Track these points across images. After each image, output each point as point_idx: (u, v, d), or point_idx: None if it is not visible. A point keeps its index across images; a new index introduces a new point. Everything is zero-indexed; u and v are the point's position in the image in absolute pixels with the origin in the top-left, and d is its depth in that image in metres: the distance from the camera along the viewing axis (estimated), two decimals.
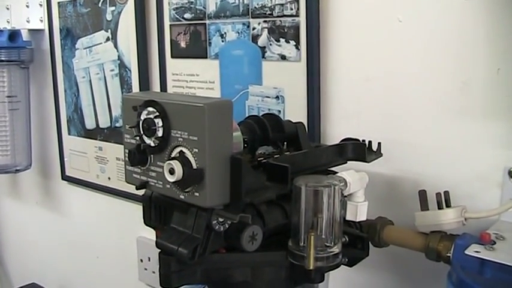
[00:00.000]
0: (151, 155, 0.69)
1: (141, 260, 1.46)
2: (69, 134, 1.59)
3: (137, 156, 0.69)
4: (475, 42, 0.84)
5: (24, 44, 1.62)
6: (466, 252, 0.73)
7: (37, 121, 1.72)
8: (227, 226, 0.68)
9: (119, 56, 1.37)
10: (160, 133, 0.66)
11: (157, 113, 0.66)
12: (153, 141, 0.67)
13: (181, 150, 0.65)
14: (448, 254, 0.79)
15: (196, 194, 0.64)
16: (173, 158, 0.65)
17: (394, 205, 0.94)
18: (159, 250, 0.70)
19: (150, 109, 0.67)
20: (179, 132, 0.64)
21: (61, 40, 1.54)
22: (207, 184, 0.62)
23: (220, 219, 0.67)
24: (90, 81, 1.47)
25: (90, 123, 1.51)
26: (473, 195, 0.86)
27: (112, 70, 1.40)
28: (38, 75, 1.67)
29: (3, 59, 1.58)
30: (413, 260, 0.88)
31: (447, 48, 0.87)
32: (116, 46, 1.37)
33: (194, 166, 0.63)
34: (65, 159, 1.63)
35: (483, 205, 0.84)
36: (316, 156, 0.79)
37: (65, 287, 1.81)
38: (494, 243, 0.75)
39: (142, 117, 0.68)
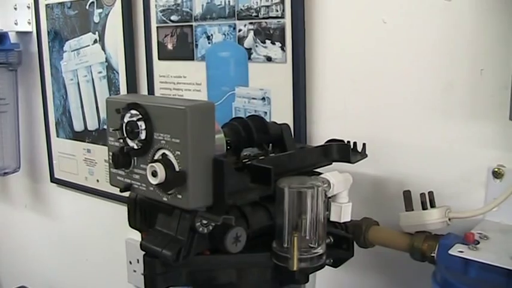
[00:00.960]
0: (135, 158, 0.68)
1: (130, 262, 1.45)
2: (57, 136, 1.58)
3: (121, 159, 0.69)
4: (458, 43, 0.85)
5: (12, 47, 1.62)
6: (450, 252, 0.74)
7: (25, 124, 1.72)
8: (211, 228, 0.68)
9: (106, 58, 1.37)
10: (143, 136, 0.66)
11: (140, 116, 0.66)
12: (137, 144, 0.67)
13: (164, 153, 0.65)
14: (433, 254, 0.79)
15: (179, 196, 0.64)
16: (156, 161, 0.65)
17: (380, 206, 0.95)
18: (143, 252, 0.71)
19: (133, 112, 0.67)
20: (162, 134, 0.64)
21: (49, 42, 1.54)
22: (189, 186, 0.62)
23: (204, 221, 0.67)
24: (78, 83, 1.47)
25: (78, 126, 1.51)
26: (458, 195, 0.87)
27: (100, 72, 1.40)
28: (26, 77, 1.66)
29: None
30: (400, 260, 0.88)
31: (431, 49, 0.88)
32: (103, 48, 1.37)
33: (177, 168, 0.63)
34: (54, 161, 1.62)
35: (468, 205, 0.84)
36: (300, 157, 0.79)
37: None
38: (478, 242, 0.76)
39: (125, 120, 0.68)
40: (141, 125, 0.66)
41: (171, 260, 0.67)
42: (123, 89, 1.34)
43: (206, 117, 0.63)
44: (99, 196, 1.48)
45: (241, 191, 0.67)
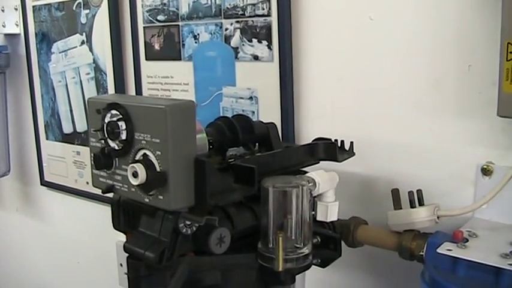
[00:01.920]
0: (116, 159, 0.67)
1: (121, 265, 1.44)
2: (47, 138, 1.57)
3: (102, 160, 0.68)
4: (445, 39, 0.84)
5: (0, 49, 1.60)
6: (438, 250, 0.73)
7: (15, 127, 1.70)
8: (195, 229, 0.67)
9: (94, 60, 1.36)
10: (124, 136, 0.65)
11: (121, 116, 0.65)
12: (117, 145, 0.66)
13: (145, 153, 0.64)
14: (421, 253, 0.78)
15: (161, 197, 0.63)
16: (137, 161, 0.63)
17: (368, 204, 0.94)
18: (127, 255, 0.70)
19: (114, 112, 0.66)
20: (142, 134, 0.63)
21: (37, 44, 1.53)
22: (170, 187, 0.61)
23: (188, 222, 0.66)
24: (67, 85, 1.46)
25: (67, 128, 1.49)
26: (447, 193, 0.86)
27: (88, 74, 1.38)
28: (15, 80, 1.65)
29: None
30: (389, 259, 0.87)
31: (418, 46, 0.87)
32: (91, 49, 1.36)
33: (158, 169, 0.62)
34: (44, 164, 1.61)
35: (457, 203, 0.84)
36: (285, 156, 0.78)
37: None
38: (467, 240, 0.75)
39: (106, 120, 0.67)
40: (122, 125, 0.65)
41: (154, 262, 0.66)
42: (111, 90, 1.32)
43: (186, 116, 0.62)
44: (89, 198, 1.47)
45: (224, 192, 0.66)
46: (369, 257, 0.96)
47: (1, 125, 1.65)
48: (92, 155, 0.70)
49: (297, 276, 0.91)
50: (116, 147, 0.66)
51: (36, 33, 1.52)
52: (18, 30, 1.59)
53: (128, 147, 0.65)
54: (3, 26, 1.63)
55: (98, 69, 1.35)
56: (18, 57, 1.62)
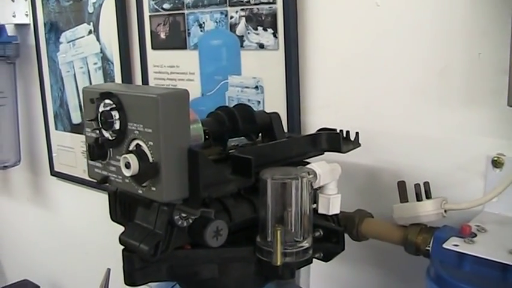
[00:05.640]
0: (111, 149, 0.66)
1: None
2: (56, 129, 1.56)
3: (96, 150, 0.66)
4: (454, 25, 0.81)
5: (10, 39, 1.60)
6: (444, 245, 0.70)
7: (25, 117, 1.70)
8: (191, 221, 0.65)
9: (101, 49, 1.34)
10: (117, 126, 0.63)
11: (114, 105, 0.63)
12: (111, 135, 0.64)
13: (138, 144, 0.62)
14: (427, 248, 0.76)
15: (153, 188, 0.61)
16: (130, 152, 0.62)
17: (374, 197, 0.91)
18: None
19: (107, 101, 0.64)
20: (135, 124, 0.61)
21: (46, 34, 1.52)
22: (163, 178, 0.59)
23: (183, 214, 0.65)
24: (75, 75, 1.45)
25: (76, 118, 1.49)
26: (455, 185, 0.84)
27: (95, 63, 1.37)
28: (25, 70, 1.65)
29: None
30: (395, 253, 0.84)
31: (426, 32, 0.84)
32: (98, 39, 1.35)
33: (150, 160, 0.60)
34: (53, 154, 1.60)
35: (466, 196, 0.81)
36: (286, 147, 0.75)
37: (56, 283, 1.79)
38: (475, 235, 0.72)
39: (100, 110, 0.65)
40: (115, 114, 0.63)
41: (148, 255, 0.64)
42: (118, 80, 1.31)
43: (179, 106, 0.60)
44: (98, 189, 1.46)
45: (218, 183, 0.63)
46: (374, 251, 0.93)
47: (11, 115, 1.65)
48: (87, 145, 0.68)
49: (301, 270, 0.89)
50: (110, 138, 0.65)
51: (45, 23, 1.51)
52: (28, 20, 1.58)
53: (121, 137, 0.63)
54: (14, 16, 1.62)
55: (105, 58, 1.34)
56: (27, 47, 1.61)
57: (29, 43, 1.60)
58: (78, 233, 1.64)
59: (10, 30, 1.63)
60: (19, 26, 1.63)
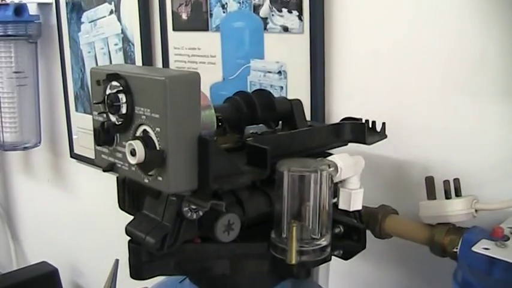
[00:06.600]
0: (117, 134, 0.62)
1: None
2: (76, 111, 1.54)
3: (102, 135, 0.62)
4: (490, 13, 0.75)
5: (31, 18, 1.58)
6: (474, 249, 0.65)
7: (46, 98, 1.69)
8: (201, 214, 0.61)
9: (122, 30, 1.31)
10: (124, 110, 0.59)
11: (121, 88, 0.59)
12: (117, 119, 0.60)
13: (145, 129, 0.58)
14: (455, 250, 0.70)
15: (160, 178, 0.57)
16: (136, 138, 0.58)
17: (400, 193, 0.87)
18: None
19: (114, 83, 0.60)
20: (142, 109, 0.57)
21: (67, 14, 1.49)
22: (169, 167, 0.55)
23: (193, 206, 0.60)
24: (96, 56, 1.42)
25: None
26: (488, 184, 0.78)
27: (116, 44, 1.34)
28: (46, 50, 1.63)
29: (9, 33, 1.54)
30: (420, 253, 0.80)
31: (463, 20, 0.79)
32: (119, 19, 1.31)
33: (157, 147, 0.56)
34: (74, 136, 1.58)
35: (499, 195, 0.75)
36: (306, 137, 0.71)
37: (74, 265, 1.79)
38: (508, 239, 0.67)
39: (107, 92, 0.61)
40: (122, 97, 0.59)
41: (154, 248, 0.60)
42: (138, 62, 1.28)
43: (190, 90, 0.56)
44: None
45: (230, 175, 0.59)
46: (398, 250, 0.89)
47: (32, 96, 1.63)
48: (93, 129, 0.65)
49: (320, 267, 0.84)
50: (116, 122, 0.61)
51: (66, 3, 1.48)
52: None
53: (128, 122, 0.59)
54: None
55: (125, 39, 1.30)
56: (49, 27, 1.59)
57: (51, 23, 1.58)
58: (97, 216, 1.62)
59: (33, 10, 1.60)
60: (41, 5, 1.61)
